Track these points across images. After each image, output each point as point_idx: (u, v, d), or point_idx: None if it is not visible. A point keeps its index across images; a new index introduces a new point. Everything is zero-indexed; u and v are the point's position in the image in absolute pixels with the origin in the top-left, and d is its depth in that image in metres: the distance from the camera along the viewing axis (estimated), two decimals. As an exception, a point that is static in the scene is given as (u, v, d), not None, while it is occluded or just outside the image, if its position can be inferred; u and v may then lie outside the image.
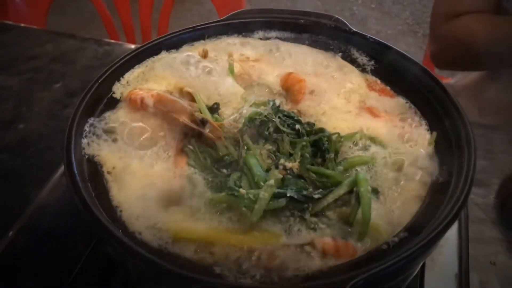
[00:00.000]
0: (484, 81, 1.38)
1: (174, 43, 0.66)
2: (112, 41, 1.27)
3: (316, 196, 0.48)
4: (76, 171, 0.49)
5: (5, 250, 0.66)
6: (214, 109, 0.57)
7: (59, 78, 1.12)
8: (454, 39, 1.23)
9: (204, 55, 0.63)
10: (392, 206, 0.49)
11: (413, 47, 3.15)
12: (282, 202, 0.47)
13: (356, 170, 0.52)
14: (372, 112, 0.59)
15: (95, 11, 1.58)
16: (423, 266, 0.66)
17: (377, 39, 0.65)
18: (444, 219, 0.43)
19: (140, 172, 0.51)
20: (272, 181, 0.47)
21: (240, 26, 0.68)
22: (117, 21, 1.64)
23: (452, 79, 1.57)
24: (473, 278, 0.76)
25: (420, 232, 0.43)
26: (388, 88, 0.62)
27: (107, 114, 0.58)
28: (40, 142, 0.97)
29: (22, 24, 1.34)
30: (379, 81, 0.63)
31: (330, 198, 0.48)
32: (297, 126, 0.54)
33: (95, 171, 0.52)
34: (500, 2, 1.22)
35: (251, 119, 0.55)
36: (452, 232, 0.74)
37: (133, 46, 1.25)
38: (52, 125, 1.02)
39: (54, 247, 0.67)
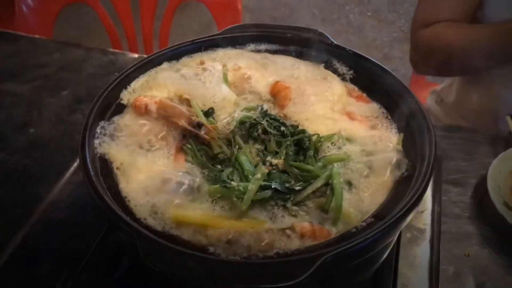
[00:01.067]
0: (466, 87, 1.45)
1: (174, 55, 0.74)
2: (116, 50, 1.35)
3: (297, 188, 0.56)
4: (90, 167, 0.57)
5: (23, 239, 0.74)
6: (209, 113, 0.65)
7: (66, 86, 1.20)
8: (427, 46, 1.32)
9: (201, 65, 0.72)
10: (363, 196, 0.56)
11: (408, 54, 3.23)
12: (268, 193, 0.55)
13: (333, 165, 0.59)
14: (350, 116, 0.67)
15: (99, 20, 1.66)
16: (397, 255, 0.74)
17: (355, 51, 0.73)
18: (404, 207, 0.51)
19: (145, 167, 0.59)
20: (259, 175, 0.55)
21: (234, 40, 0.76)
22: (120, 29, 1.71)
23: (439, 86, 1.64)
24: (448, 268, 0.84)
25: (384, 218, 0.51)
26: (364, 94, 0.70)
27: (116, 118, 0.66)
28: (49, 145, 1.05)
29: (31, 35, 1.42)
30: (356, 89, 0.71)
31: (309, 189, 0.56)
32: (282, 128, 0.62)
33: (106, 167, 0.60)
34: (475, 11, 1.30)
35: (242, 122, 0.63)
36: (427, 225, 0.82)
37: (136, 55, 1.33)
38: (61, 129, 1.09)
39: (67, 236, 0.74)
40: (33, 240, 0.75)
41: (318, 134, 0.62)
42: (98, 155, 0.61)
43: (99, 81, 1.22)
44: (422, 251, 0.74)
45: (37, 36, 1.39)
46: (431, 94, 1.65)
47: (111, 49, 1.36)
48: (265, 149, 0.61)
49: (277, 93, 0.69)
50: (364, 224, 0.52)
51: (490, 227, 0.89)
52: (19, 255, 0.74)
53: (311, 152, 0.59)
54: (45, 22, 1.60)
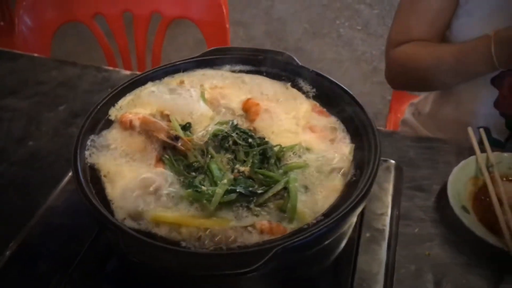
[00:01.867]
0: (439, 100, 1.55)
1: (157, 76, 0.83)
2: (110, 68, 1.45)
3: (260, 191, 0.65)
4: (81, 176, 0.66)
5: (22, 242, 0.83)
6: (186, 127, 0.74)
7: (63, 101, 1.29)
8: (398, 64, 1.42)
9: (181, 85, 0.81)
10: (317, 198, 0.66)
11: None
12: (233, 196, 0.64)
13: (292, 172, 0.69)
14: (311, 129, 0.77)
15: (94, 38, 1.76)
16: (357, 252, 0.83)
17: (317, 71, 0.82)
18: (347, 207, 0.60)
19: (128, 175, 0.68)
20: (225, 181, 0.64)
21: (212, 61, 0.86)
22: (115, 46, 1.81)
23: (417, 99, 1.74)
24: (410, 267, 0.92)
25: (330, 216, 0.60)
26: (325, 110, 0.79)
27: (104, 132, 0.75)
28: (47, 157, 1.14)
29: (30, 53, 1.51)
30: (318, 104, 0.80)
31: (270, 192, 0.65)
32: (250, 140, 0.71)
33: (94, 175, 0.69)
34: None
35: (215, 135, 0.72)
36: (386, 226, 0.90)
37: (128, 72, 1.43)
38: (58, 142, 1.18)
39: (62, 238, 0.83)
40: (31, 242, 0.84)
41: (280, 145, 0.71)
42: (88, 164, 0.70)
43: (93, 97, 1.31)
44: (380, 250, 0.83)
45: (35, 55, 1.49)
46: (409, 106, 1.74)
47: (105, 67, 1.45)
48: (235, 158, 0.71)
49: (248, 109, 0.79)
50: (314, 221, 0.61)
51: (450, 229, 0.98)
52: (19, 255, 0.83)
53: (272, 161, 0.68)
54: (43, 40, 1.70)
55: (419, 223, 1.03)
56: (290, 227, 0.62)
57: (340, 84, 0.78)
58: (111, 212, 0.63)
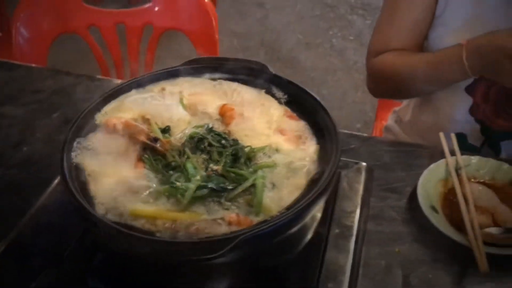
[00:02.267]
0: (419, 107, 1.61)
1: (141, 84, 0.90)
2: (102, 77, 1.52)
3: (230, 187, 0.72)
4: (67, 174, 0.73)
5: (15, 238, 0.89)
6: (165, 130, 0.81)
7: (57, 109, 1.35)
8: (377, 73, 1.48)
9: (162, 91, 0.88)
10: (282, 194, 0.72)
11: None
12: (205, 191, 0.70)
13: (262, 170, 0.75)
14: (281, 132, 0.83)
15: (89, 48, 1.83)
16: (326, 246, 0.88)
17: (289, 79, 0.89)
18: (306, 201, 0.66)
19: (111, 174, 0.74)
20: (198, 177, 0.71)
21: (193, 70, 0.93)
22: (109, 56, 1.88)
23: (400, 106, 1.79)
24: (381, 262, 0.98)
25: (291, 209, 0.66)
26: (295, 114, 0.86)
27: (90, 135, 0.82)
28: (41, 161, 1.20)
29: (27, 64, 1.58)
30: (289, 110, 0.87)
31: (240, 189, 0.72)
32: (223, 142, 0.78)
33: (79, 174, 0.75)
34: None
35: (191, 137, 0.79)
36: (355, 224, 0.96)
37: (119, 81, 1.49)
38: (51, 147, 1.24)
39: (52, 235, 0.89)
40: (22, 239, 0.90)
41: (251, 146, 0.78)
42: (74, 164, 0.76)
43: (86, 104, 1.38)
44: (348, 244, 0.89)
45: (32, 65, 1.55)
46: (392, 113, 1.80)
47: (98, 76, 1.52)
48: (210, 158, 0.77)
49: (224, 114, 0.85)
50: (278, 214, 0.67)
51: (419, 228, 1.03)
52: (10, 251, 0.89)
53: (243, 160, 0.74)
54: (39, 51, 1.77)
55: (391, 223, 1.09)
56: (257, 219, 0.68)
57: (309, 90, 0.85)
58: (93, 207, 0.69)
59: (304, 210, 0.66)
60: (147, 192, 0.71)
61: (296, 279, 0.80)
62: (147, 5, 1.81)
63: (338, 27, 4.00)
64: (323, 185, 0.68)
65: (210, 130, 0.80)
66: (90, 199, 0.71)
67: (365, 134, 1.34)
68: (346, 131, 1.36)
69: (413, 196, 1.10)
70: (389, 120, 1.80)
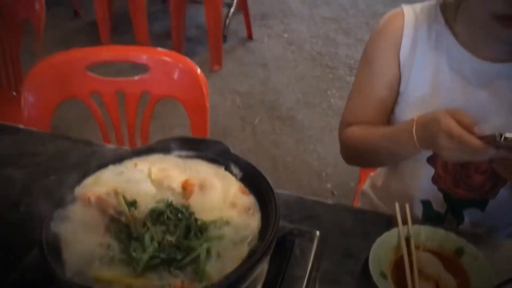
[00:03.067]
0: (389, 173, 1.73)
1: (117, 159, 1.04)
2: (97, 142, 1.67)
3: (179, 257, 0.84)
4: (44, 242, 0.86)
5: None
6: (132, 204, 0.94)
7: (54, 172, 1.50)
8: (346, 144, 1.61)
9: (135, 167, 1.01)
10: (225, 263, 0.84)
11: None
12: (157, 260, 0.83)
13: (210, 242, 0.87)
14: (234, 206, 0.96)
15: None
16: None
17: (244, 159, 1.02)
18: (240, 270, 0.78)
19: (82, 241, 0.87)
20: (151, 248, 0.83)
21: (163, 148, 1.07)
22: (109, 119, 2.04)
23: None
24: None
25: (229, 277, 0.78)
26: (247, 190, 0.99)
27: (69, 206, 0.95)
28: (34, 221, 1.33)
29: (30, 128, 1.75)
30: (242, 185, 1.00)
31: (188, 258, 0.84)
32: (179, 215, 0.91)
33: (55, 241, 0.88)
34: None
35: (153, 210, 0.92)
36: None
37: (112, 147, 1.65)
38: (46, 207, 1.38)
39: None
40: None
41: (203, 220, 0.90)
42: (51, 232, 0.89)
43: (80, 168, 1.52)
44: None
45: (34, 130, 1.72)
46: (369, 179, 1.92)
47: (93, 141, 1.68)
48: (167, 229, 0.90)
49: (185, 188, 0.98)
50: (216, 281, 0.79)
51: (370, 291, 1.14)
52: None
53: (193, 232, 0.87)
54: (44, 114, 1.94)
55: (345, 286, 1.20)
56: (200, 286, 0.80)
57: (258, 169, 0.98)
58: (63, 270, 0.82)
59: (241, 278, 0.77)
60: (109, 259, 0.84)
61: None
62: (145, 75, 1.99)
63: (336, 87, 4.17)
64: (257, 257, 0.80)
65: (169, 205, 0.93)
66: (62, 263, 0.84)
67: (329, 202, 1.46)
68: (314, 199, 1.48)
69: (367, 262, 1.21)
70: (365, 185, 1.91)
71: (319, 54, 4.61)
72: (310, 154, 3.48)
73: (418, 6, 1.49)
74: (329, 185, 3.24)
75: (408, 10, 1.48)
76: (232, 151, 1.03)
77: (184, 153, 1.06)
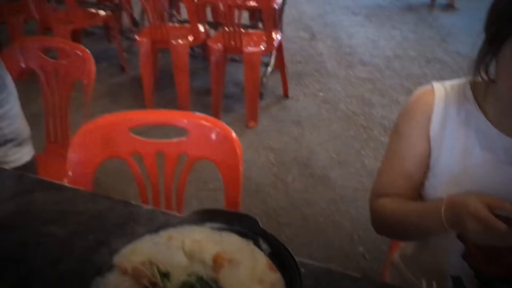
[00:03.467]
0: (420, 245, 1.72)
1: (154, 230, 1.11)
2: (135, 203, 1.74)
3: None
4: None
5: None
6: (166, 275, 1.00)
7: (93, 231, 1.57)
8: (377, 214, 1.62)
9: (169, 239, 1.08)
10: None
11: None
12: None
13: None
14: (261, 282, 1.00)
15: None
16: None
17: (272, 234, 1.07)
18: None
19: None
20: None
21: (197, 220, 1.13)
22: (148, 180, 2.12)
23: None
24: None
25: None
26: (274, 266, 1.03)
27: (107, 275, 1.01)
28: (74, 279, 1.40)
29: (74, 186, 1.84)
30: (270, 261, 1.04)
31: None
32: (208, 289, 0.96)
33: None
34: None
35: (184, 283, 0.97)
36: None
37: (150, 208, 1.72)
38: (85, 267, 1.44)
39: None
40: None
41: (234, 296, 0.95)
42: (94, 300, 0.96)
43: (118, 229, 1.59)
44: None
45: (77, 188, 1.81)
46: (400, 249, 1.92)
47: (131, 202, 1.75)
48: (198, 302, 0.95)
49: (216, 262, 1.04)
50: None
51: None
52: None
53: (224, 306, 0.92)
54: (87, 172, 2.04)
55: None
56: None
57: (285, 245, 1.03)
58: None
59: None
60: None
61: None
62: (184, 138, 2.08)
63: (370, 148, 4.19)
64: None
65: (200, 279, 0.98)
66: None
67: (357, 275, 1.46)
68: (343, 271, 1.50)
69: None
70: (396, 254, 1.90)
71: (353, 114, 4.67)
72: (342, 215, 3.47)
73: (448, 83, 1.53)
74: (360, 248, 3.21)
75: (438, 87, 1.52)
76: (260, 225, 1.08)
77: (216, 225, 1.12)
